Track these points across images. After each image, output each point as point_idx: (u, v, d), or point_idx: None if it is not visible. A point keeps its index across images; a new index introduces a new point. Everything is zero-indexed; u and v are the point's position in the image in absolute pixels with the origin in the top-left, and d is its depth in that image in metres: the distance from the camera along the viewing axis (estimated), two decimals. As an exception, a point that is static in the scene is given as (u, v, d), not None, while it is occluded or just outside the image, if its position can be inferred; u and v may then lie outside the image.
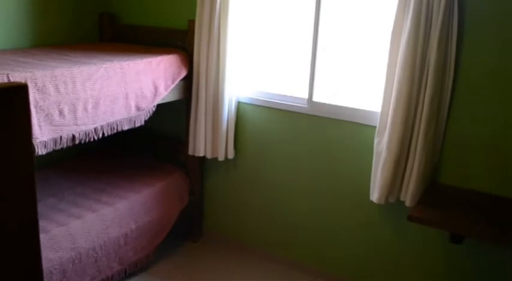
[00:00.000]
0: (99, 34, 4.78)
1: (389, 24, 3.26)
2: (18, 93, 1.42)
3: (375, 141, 3.42)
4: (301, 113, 3.87)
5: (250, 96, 4.11)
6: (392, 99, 3.25)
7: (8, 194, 1.52)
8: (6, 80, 2.76)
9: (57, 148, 3.08)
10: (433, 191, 3.32)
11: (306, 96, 3.85)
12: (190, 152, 4.21)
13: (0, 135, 1.41)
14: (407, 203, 3.34)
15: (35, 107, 2.90)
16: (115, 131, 3.46)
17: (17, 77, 2.83)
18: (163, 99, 3.82)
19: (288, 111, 3.93)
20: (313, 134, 3.86)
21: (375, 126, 3.45)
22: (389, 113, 3.29)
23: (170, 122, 4.52)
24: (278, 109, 3.97)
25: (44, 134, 2.96)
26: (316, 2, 3.70)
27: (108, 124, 3.39)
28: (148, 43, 4.42)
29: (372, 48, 3.64)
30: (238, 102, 4.14)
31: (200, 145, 4.12)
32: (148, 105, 3.67)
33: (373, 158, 3.47)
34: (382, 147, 3.35)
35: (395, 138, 3.25)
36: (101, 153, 4.65)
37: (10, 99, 1.41)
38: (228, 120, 4.06)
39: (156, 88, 3.71)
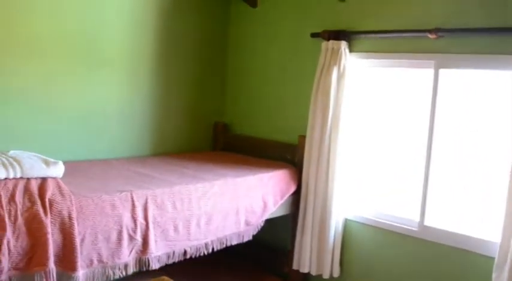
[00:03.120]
0: (213, 142, 5.02)
1: (509, 151, 3.14)
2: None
3: (493, 275, 3.20)
4: (411, 237, 3.73)
5: (358, 214, 4.06)
6: (514, 233, 3.06)
7: None
8: (129, 198, 2.95)
9: (169, 262, 3.18)
10: None
11: (417, 218, 3.73)
12: (294, 267, 4.17)
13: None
14: None
15: (153, 223, 3.04)
16: (224, 246, 3.53)
17: (139, 194, 3.01)
18: (272, 214, 3.87)
19: (397, 233, 3.81)
20: (424, 259, 3.68)
21: (493, 258, 3.24)
22: (510, 247, 3.09)
23: (275, 232, 4.53)
24: (387, 230, 3.87)
25: (159, 250, 3.08)
26: (430, 123, 3.67)
27: (218, 239, 3.47)
28: (259, 154, 4.56)
29: (490, 171, 3.51)
30: (346, 220, 4.09)
31: (305, 260, 4.08)
32: (257, 221, 3.73)
33: (491, 293, 3.24)
34: (502, 283, 3.13)
35: (518, 276, 3.03)
36: (203, 256, 4.71)
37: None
38: (335, 238, 4.01)
39: (265, 204, 3.77)
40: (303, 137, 4.17)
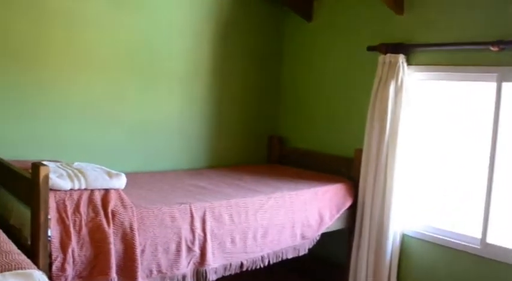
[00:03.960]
0: (267, 155, 5.04)
1: None
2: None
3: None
4: (472, 254, 3.62)
5: (416, 229, 3.97)
6: None
7: None
8: (188, 210, 3.00)
9: (225, 274, 3.21)
10: None
11: (478, 235, 3.62)
12: (350, 281, 4.13)
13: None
14: None
15: (211, 235, 3.09)
16: (280, 259, 3.53)
17: (198, 206, 3.07)
18: (327, 228, 3.85)
19: (457, 250, 3.70)
20: (486, 278, 3.55)
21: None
22: None
23: (330, 247, 4.48)
24: (446, 247, 3.77)
25: (216, 261, 3.12)
26: (493, 137, 3.55)
27: (274, 252, 3.49)
28: (313, 168, 4.55)
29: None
30: (403, 235, 4.01)
31: (361, 276, 4.02)
32: (313, 235, 3.72)
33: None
34: None
35: None
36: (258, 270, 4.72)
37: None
38: (392, 253, 3.94)
39: (321, 218, 3.76)
40: (359, 151, 4.13)
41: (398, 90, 3.89)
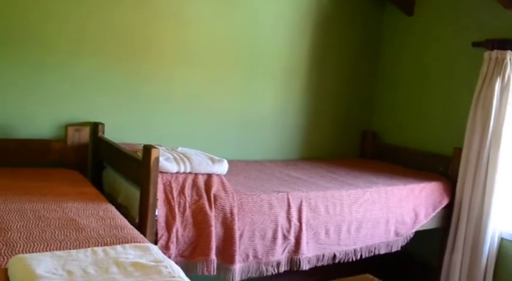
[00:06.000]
0: (360, 150, 5.01)
1: None
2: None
3: None
4: None
5: (517, 234, 3.82)
6: None
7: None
8: (286, 199, 3.06)
9: (318, 264, 3.24)
10: None
11: None
12: (442, 283, 4.03)
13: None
14: None
15: (306, 225, 3.13)
16: (372, 254, 3.52)
17: (295, 196, 3.11)
18: (422, 226, 3.78)
19: (562, 258, 3.53)
20: None
21: None
22: None
23: (421, 246, 4.39)
24: (550, 254, 3.60)
25: (310, 251, 3.16)
26: None
27: (367, 247, 3.47)
28: (408, 165, 4.47)
29: None
30: (502, 239, 3.86)
31: (454, 279, 3.91)
32: (407, 232, 3.66)
33: None
34: None
35: None
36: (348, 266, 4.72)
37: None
38: (488, 257, 3.81)
39: (416, 215, 3.70)
40: (459, 150, 4.01)
41: (504, 89, 3.74)
